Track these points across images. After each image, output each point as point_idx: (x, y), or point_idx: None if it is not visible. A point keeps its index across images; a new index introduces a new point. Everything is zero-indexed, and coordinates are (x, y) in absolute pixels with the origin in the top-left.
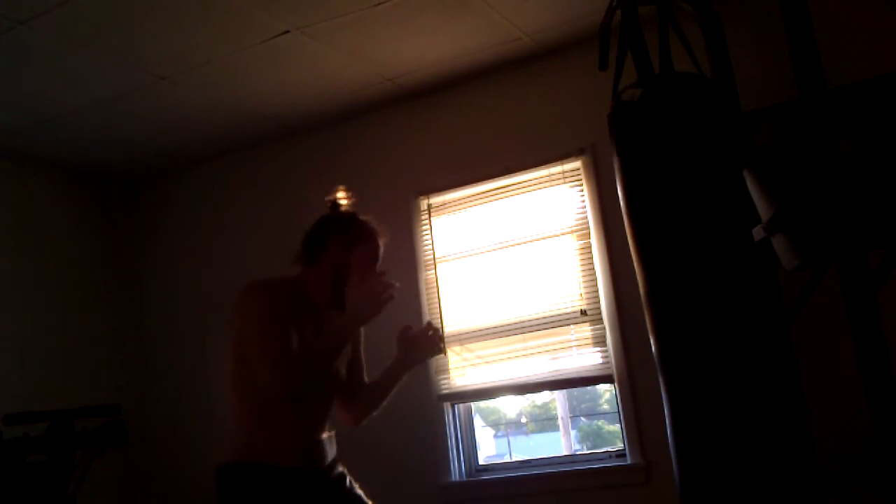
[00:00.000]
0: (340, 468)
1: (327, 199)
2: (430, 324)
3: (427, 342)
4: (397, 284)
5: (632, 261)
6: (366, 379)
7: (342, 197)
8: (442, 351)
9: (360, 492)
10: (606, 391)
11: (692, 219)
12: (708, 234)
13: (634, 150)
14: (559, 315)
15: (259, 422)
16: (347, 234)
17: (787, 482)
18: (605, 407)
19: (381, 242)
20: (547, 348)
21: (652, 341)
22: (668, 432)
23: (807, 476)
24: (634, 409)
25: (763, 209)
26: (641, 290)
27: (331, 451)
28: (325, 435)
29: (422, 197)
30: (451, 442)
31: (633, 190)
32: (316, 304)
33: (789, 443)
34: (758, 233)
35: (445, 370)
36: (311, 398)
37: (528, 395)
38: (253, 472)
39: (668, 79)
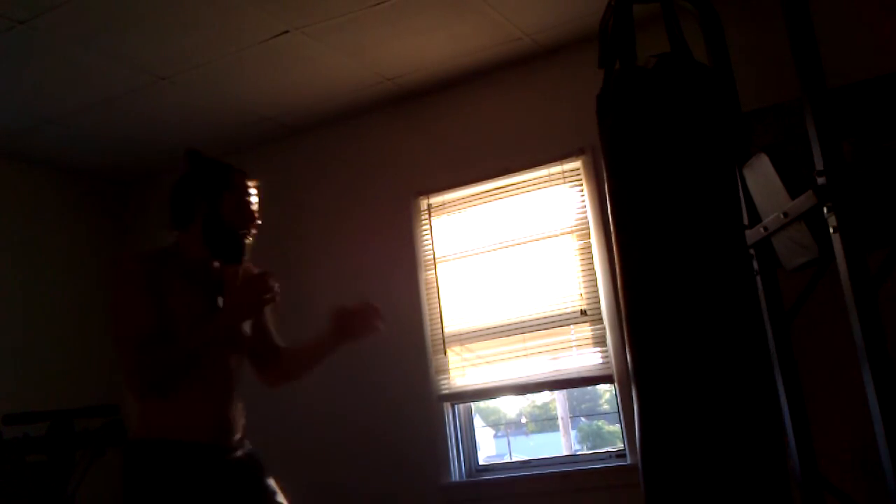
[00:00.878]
0: (256, 456)
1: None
2: (368, 302)
3: (363, 319)
4: (277, 286)
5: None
6: (279, 343)
7: (198, 149)
8: (378, 329)
9: (271, 483)
10: (606, 391)
11: (684, 216)
12: (697, 232)
13: (626, 134)
14: (559, 315)
15: (159, 398)
16: (208, 192)
17: (786, 483)
18: (605, 407)
19: (249, 182)
20: (547, 348)
21: (627, 347)
22: (639, 435)
23: (806, 476)
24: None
25: (774, 201)
26: (619, 286)
27: (238, 427)
28: (231, 410)
29: (422, 197)
30: (451, 442)
31: (618, 171)
32: (199, 264)
33: (786, 444)
34: (756, 233)
35: (445, 370)
36: (209, 375)
37: (528, 396)
38: (155, 448)
39: (681, 60)
